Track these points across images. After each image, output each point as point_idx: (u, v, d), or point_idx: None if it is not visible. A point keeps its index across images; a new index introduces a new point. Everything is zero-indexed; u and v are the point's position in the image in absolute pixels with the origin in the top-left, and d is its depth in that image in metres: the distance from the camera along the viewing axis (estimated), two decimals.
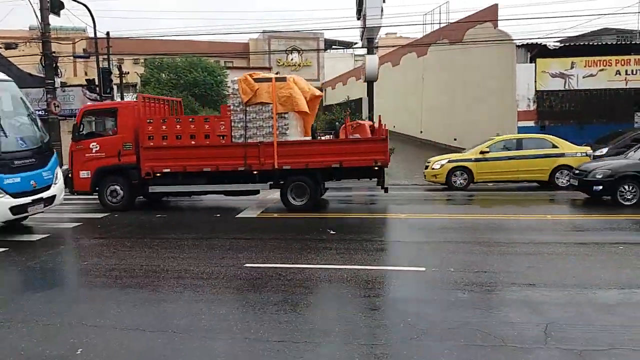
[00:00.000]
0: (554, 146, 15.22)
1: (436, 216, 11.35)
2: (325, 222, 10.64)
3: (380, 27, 20.96)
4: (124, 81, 28.18)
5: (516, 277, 6.46)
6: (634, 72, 20.71)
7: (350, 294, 6.09)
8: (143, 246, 8.81)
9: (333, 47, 59.36)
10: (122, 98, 26.45)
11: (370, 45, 21.34)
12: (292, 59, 51.57)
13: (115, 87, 22.12)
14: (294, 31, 50.52)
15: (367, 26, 20.21)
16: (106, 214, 12.01)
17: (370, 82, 20.94)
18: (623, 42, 23.83)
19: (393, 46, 37.35)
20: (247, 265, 7.26)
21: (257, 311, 5.44)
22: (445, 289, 6.08)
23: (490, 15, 22.78)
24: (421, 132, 31.32)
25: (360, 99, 22.22)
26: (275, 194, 14.88)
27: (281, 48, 50.92)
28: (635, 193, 11.30)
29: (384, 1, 19.95)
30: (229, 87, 34.31)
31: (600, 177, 11.50)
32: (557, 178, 14.81)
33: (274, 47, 51.01)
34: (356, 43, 55.15)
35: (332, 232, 9.46)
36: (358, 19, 22.56)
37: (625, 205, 11.27)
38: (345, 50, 59.40)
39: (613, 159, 13.17)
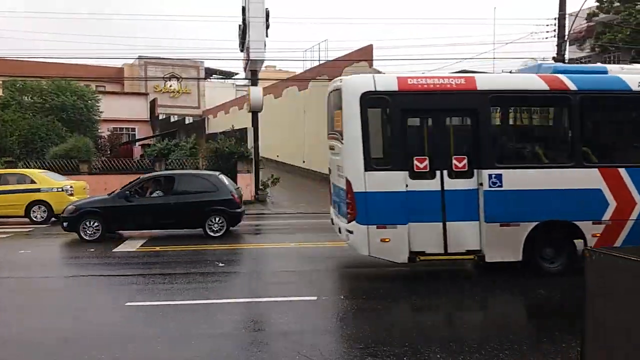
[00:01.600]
0: (32, 181, 15.20)
1: (323, 244, 11.48)
2: (212, 253, 10.30)
3: (264, 60, 21.25)
4: None
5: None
6: None
7: (243, 328, 5.94)
8: (5, 288, 7.81)
9: (213, 75, 58.89)
10: None
11: (254, 77, 21.51)
12: (170, 86, 50.12)
13: None
14: (172, 58, 49.35)
15: (251, 59, 20.36)
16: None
17: (255, 113, 20.99)
18: None
19: (273, 79, 38.06)
20: (128, 304, 6.77)
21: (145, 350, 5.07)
22: (335, 318, 6.18)
23: (365, 54, 24.28)
24: (304, 162, 32.04)
25: (246, 128, 22.14)
26: None
27: (158, 74, 49.34)
28: (98, 228, 11.47)
29: (266, 36, 20.30)
30: (101, 112, 32.29)
31: (64, 213, 11.98)
32: (34, 212, 14.68)
33: (150, 73, 49.26)
34: (237, 73, 55.44)
35: (220, 264, 9.19)
36: (241, 50, 22.67)
37: (87, 240, 11.38)
38: (226, 80, 59.25)
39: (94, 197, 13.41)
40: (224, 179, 12.98)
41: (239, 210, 12.50)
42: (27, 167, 20.36)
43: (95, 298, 7.23)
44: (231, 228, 12.36)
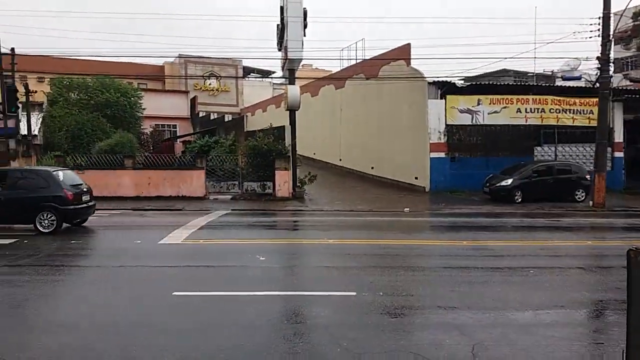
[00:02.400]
0: None
1: (361, 241, 11.62)
2: (252, 248, 10.54)
3: (302, 59, 21.45)
4: (30, 99, 26.34)
5: (442, 300, 6.80)
6: (532, 111, 22.78)
7: (285, 320, 6.08)
8: (57, 275, 8.21)
9: (251, 74, 59.67)
10: (28, 117, 24.70)
11: (292, 76, 21.72)
12: (210, 84, 51.07)
13: (20, 106, 20.61)
14: (212, 57, 50.24)
15: (288, 58, 20.58)
16: (16, 240, 11.08)
17: (292, 111, 21.23)
18: (522, 83, 26.18)
19: (310, 78, 38.28)
20: (175, 293, 7.03)
21: (191, 339, 5.28)
22: (376, 313, 6.25)
23: (403, 53, 24.16)
24: (340, 160, 32.14)
25: (283, 126, 22.41)
26: (199, 219, 14.61)
27: (198, 73, 50.35)
28: None
29: (304, 35, 20.47)
30: (143, 109, 33.17)
31: None
32: None
33: (190, 71, 50.32)
34: (274, 72, 55.97)
35: (261, 258, 9.40)
36: (279, 49, 22.92)
37: None
38: (263, 78, 59.93)
39: None
40: (60, 175, 12.86)
41: (72, 207, 12.37)
42: (75, 161, 21.21)
43: (145, 287, 7.52)
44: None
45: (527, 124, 22.84)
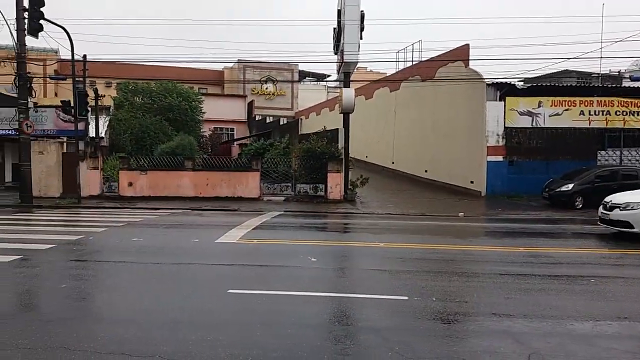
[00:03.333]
0: None
1: (413, 246, 11.51)
2: (305, 249, 10.69)
3: (357, 62, 21.47)
4: (98, 103, 27.84)
5: (496, 307, 6.65)
6: (597, 113, 21.79)
7: (336, 321, 6.15)
8: (119, 271, 8.66)
9: (306, 78, 60.29)
10: (96, 120, 26.13)
11: (347, 79, 21.79)
12: (266, 88, 52.03)
13: (89, 110, 21.83)
14: (269, 62, 51.17)
15: (345, 61, 20.65)
16: (81, 237, 11.77)
17: (346, 114, 21.31)
18: (586, 84, 25.07)
19: (363, 81, 38.21)
20: (230, 291, 7.26)
21: (245, 336, 5.44)
22: (428, 319, 6.20)
23: (461, 54, 23.70)
24: (393, 162, 31.89)
25: (337, 129, 22.53)
26: (253, 219, 14.96)
27: (255, 77, 51.43)
28: None
29: (360, 38, 20.49)
30: (203, 112, 34.36)
31: None
32: None
33: (248, 76, 51.45)
34: (329, 75, 56.26)
35: (313, 259, 9.52)
36: (335, 53, 23.05)
37: None
38: (318, 82, 60.41)
39: None
40: None
41: None
42: (138, 162, 22.21)
43: (201, 284, 7.80)
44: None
45: (591, 126, 21.86)
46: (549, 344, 5.39)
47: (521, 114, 21.95)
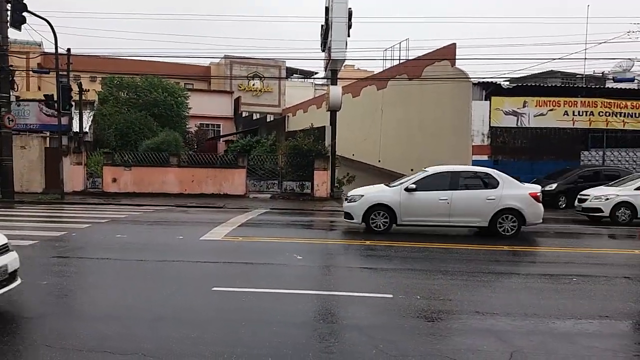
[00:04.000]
0: None
1: (398, 244, 11.52)
2: (290, 246, 10.67)
3: (345, 59, 21.50)
4: (83, 98, 27.46)
5: (480, 305, 6.70)
6: (580, 114, 22.06)
7: (321, 319, 6.14)
8: (101, 267, 8.56)
9: (294, 75, 60.21)
10: (80, 115, 25.77)
11: (334, 76, 21.82)
12: (253, 85, 51.83)
13: (73, 104, 21.54)
14: (256, 58, 51.00)
15: (332, 58, 20.68)
16: (64, 233, 11.61)
17: (333, 112, 21.32)
18: (570, 85, 25.38)
19: (351, 79, 38.25)
20: (214, 288, 7.21)
21: (229, 333, 5.41)
22: (412, 316, 6.22)
23: (448, 53, 23.83)
24: (379, 161, 31.97)
25: (324, 127, 22.53)
26: (239, 217, 14.90)
27: (243, 73, 51.21)
28: None
29: (348, 35, 20.51)
30: (189, 108, 34.16)
31: None
32: None
33: (235, 72, 51.22)
34: (317, 72, 56.28)
35: (298, 257, 9.50)
36: (323, 50, 23.07)
37: None
38: (305, 79, 60.36)
39: None
40: None
41: None
42: (122, 158, 21.96)
43: (185, 281, 7.74)
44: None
45: (575, 127, 22.13)
46: (532, 342, 5.44)
47: (506, 113, 22.15)
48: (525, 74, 31.68)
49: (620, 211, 15.37)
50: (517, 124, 22.20)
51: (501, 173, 12.73)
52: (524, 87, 23.13)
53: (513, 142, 22.47)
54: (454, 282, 8.00)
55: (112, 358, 4.78)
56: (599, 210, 15.65)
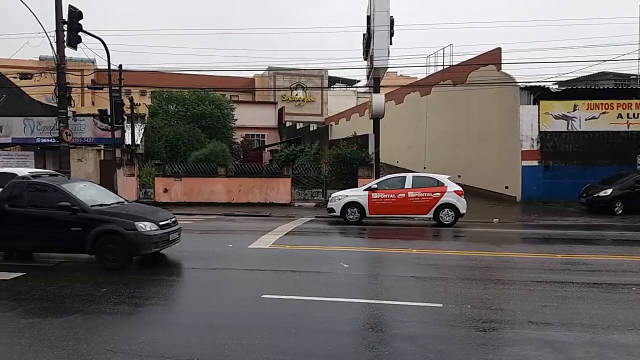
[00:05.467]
0: None
1: (447, 252, 11.41)
2: (336, 254, 10.72)
3: (387, 67, 21.42)
4: (134, 112, 28.57)
5: (533, 315, 6.54)
6: (636, 116, 21.14)
7: (369, 328, 6.15)
8: (156, 276, 8.88)
9: (336, 84, 60.49)
10: (132, 128, 26.78)
11: (377, 84, 21.76)
12: (296, 95, 52.43)
13: (125, 118, 22.45)
14: (298, 69, 51.61)
15: (374, 67, 20.65)
16: None
17: (376, 119, 21.28)
18: (624, 87, 24.38)
19: (394, 86, 38.06)
20: (264, 296, 7.34)
21: (280, 341, 5.51)
22: (463, 326, 6.14)
23: (494, 58, 23.38)
24: (424, 168, 31.61)
25: (367, 134, 22.51)
26: (285, 225, 15.08)
27: (286, 84, 51.91)
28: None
29: (390, 43, 20.45)
30: (235, 119, 34.87)
31: None
32: None
33: (279, 83, 51.99)
34: (359, 80, 56.34)
35: (345, 265, 9.54)
36: (365, 59, 23.07)
37: None
38: (347, 87, 60.53)
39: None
40: None
41: None
42: (173, 169, 22.68)
43: (236, 289, 7.93)
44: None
45: (630, 130, 21.21)
46: (589, 353, 5.28)
47: (556, 117, 21.50)
48: (575, 77, 30.63)
49: None
50: (567, 128, 21.50)
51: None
52: (574, 90, 22.37)
53: (564, 146, 21.75)
54: (506, 291, 7.83)
55: None
56: None
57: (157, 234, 9.41)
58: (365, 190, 16.31)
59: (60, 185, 9.76)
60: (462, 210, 15.74)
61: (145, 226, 9.28)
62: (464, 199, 15.84)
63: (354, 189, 17.85)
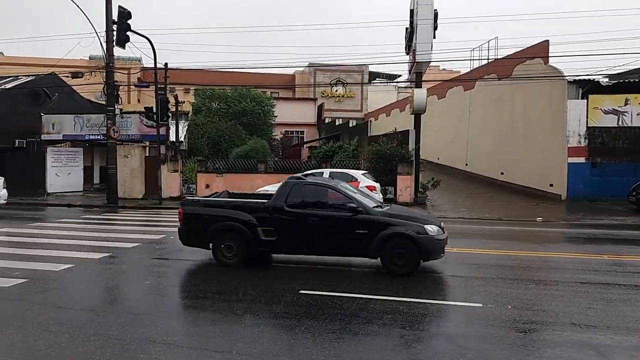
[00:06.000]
0: None
1: (488, 251, 11.21)
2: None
3: (430, 62, 21.14)
4: (178, 109, 29.32)
5: (576, 317, 6.36)
6: None
7: (407, 326, 6.14)
8: (198, 267, 9.12)
9: (376, 79, 60.08)
10: (176, 125, 27.50)
11: (419, 79, 21.51)
12: (336, 91, 52.43)
13: (170, 115, 23.05)
14: (338, 64, 51.56)
15: (417, 61, 20.41)
16: (162, 236, 12.49)
17: (417, 115, 21.06)
18: None
19: (435, 80, 37.51)
20: (302, 291, 7.42)
21: (317, 338, 5.57)
22: (503, 327, 6.04)
23: (541, 51, 22.72)
24: (466, 164, 31.07)
25: (407, 130, 22.31)
26: None
27: (326, 80, 51.98)
28: None
29: (434, 37, 20.15)
30: (275, 116, 35.21)
31: None
32: None
33: (319, 79, 52.13)
34: (400, 75, 55.75)
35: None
36: (407, 53, 22.83)
37: None
38: (388, 82, 60.02)
39: None
40: None
41: None
42: (215, 165, 23.14)
43: (273, 284, 8.04)
44: None
45: None
46: (634, 358, 5.10)
47: (606, 112, 20.70)
48: (626, 70, 29.35)
49: None
50: (618, 124, 20.67)
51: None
52: (626, 83, 21.46)
53: (614, 142, 20.92)
54: (548, 292, 7.64)
55: (208, 355, 5.11)
56: None
57: (443, 238, 8.79)
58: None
59: (338, 186, 9.40)
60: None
61: (433, 229, 8.64)
62: (376, 194, 16.03)
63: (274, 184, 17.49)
